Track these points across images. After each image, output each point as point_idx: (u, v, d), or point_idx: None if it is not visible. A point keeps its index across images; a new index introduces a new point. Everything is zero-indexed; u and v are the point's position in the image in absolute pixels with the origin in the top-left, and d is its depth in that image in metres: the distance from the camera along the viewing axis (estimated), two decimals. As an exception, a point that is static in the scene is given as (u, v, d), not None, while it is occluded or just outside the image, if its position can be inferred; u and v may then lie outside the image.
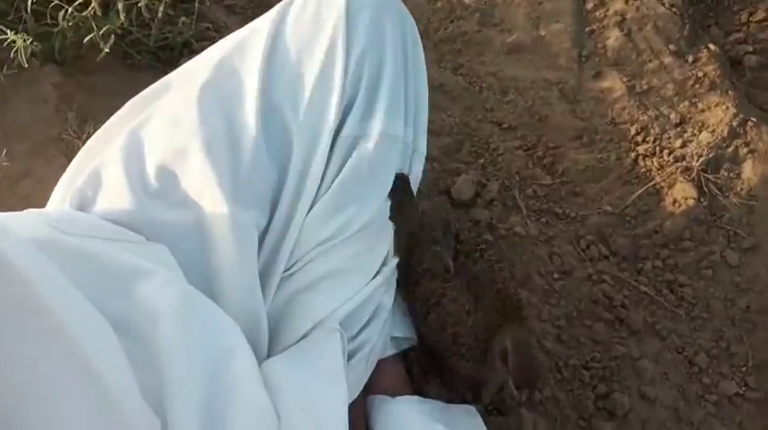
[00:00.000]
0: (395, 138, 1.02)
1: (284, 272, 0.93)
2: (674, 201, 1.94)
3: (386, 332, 1.05)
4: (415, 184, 1.17)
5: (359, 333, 0.96)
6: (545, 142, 2.07)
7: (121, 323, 0.63)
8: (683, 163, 1.97)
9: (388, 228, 1.05)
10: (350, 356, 0.93)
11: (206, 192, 0.84)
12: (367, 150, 0.95)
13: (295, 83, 0.94)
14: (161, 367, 0.62)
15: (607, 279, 1.81)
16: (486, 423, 1.32)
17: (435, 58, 2.21)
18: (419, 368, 1.26)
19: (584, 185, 1.99)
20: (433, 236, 1.16)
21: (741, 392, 1.63)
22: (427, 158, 1.28)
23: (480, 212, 1.87)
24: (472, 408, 1.33)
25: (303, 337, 0.90)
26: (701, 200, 1.93)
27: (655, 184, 1.98)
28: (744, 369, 1.68)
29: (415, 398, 1.09)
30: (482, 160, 2.00)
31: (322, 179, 0.95)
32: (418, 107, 1.14)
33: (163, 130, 0.88)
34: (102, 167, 0.88)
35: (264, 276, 0.90)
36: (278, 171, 0.92)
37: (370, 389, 1.05)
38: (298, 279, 0.94)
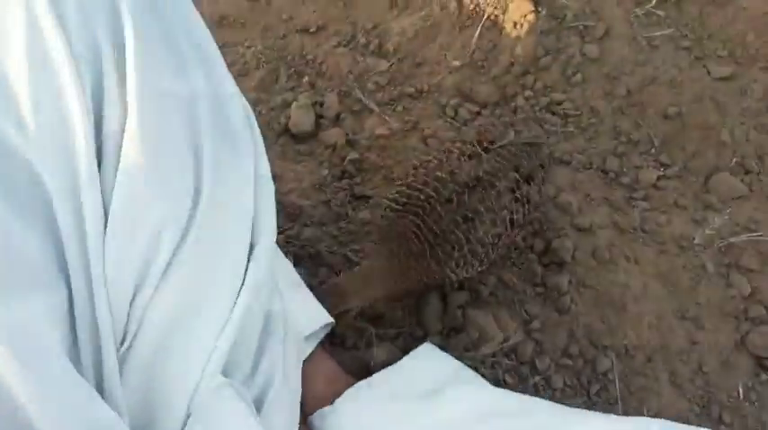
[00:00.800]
0: None
1: (120, 348, 0.64)
2: (515, 24, 1.77)
3: (293, 341, 0.79)
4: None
5: (255, 367, 0.70)
6: (362, 27, 1.82)
7: None
8: (504, -20, 1.79)
9: (230, 208, 0.76)
10: (259, 403, 0.67)
11: None
12: None
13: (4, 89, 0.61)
14: None
15: (490, 131, 1.64)
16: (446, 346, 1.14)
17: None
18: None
19: (423, 51, 1.78)
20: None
21: (662, 173, 1.55)
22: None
23: (330, 135, 1.62)
24: (429, 344, 1.15)
25: (187, 419, 0.64)
26: (539, 9, 1.77)
27: (489, 17, 1.79)
28: (653, 151, 1.60)
29: (357, 386, 0.88)
30: (306, 78, 1.72)
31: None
32: (208, 55, 0.81)
33: None
34: None
35: (97, 368, 0.61)
36: (42, 231, 0.61)
37: (304, 403, 0.80)
38: (139, 349, 0.65)
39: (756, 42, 1.71)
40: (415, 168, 1.16)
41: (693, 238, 1.44)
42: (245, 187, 0.75)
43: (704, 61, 1.71)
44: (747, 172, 1.55)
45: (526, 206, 1.15)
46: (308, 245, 1.48)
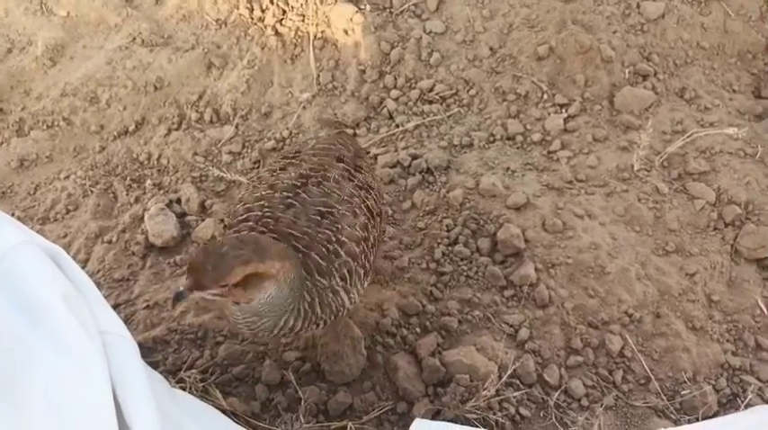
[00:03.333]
0: None
1: None
2: (346, 32, 1.58)
3: None
4: None
5: None
6: (186, 102, 1.55)
7: None
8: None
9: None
10: None
11: None
12: None
13: None
14: None
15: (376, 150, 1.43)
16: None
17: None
18: None
19: (265, 99, 1.54)
20: None
21: (566, 115, 1.40)
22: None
23: (203, 230, 1.33)
24: (420, 422, 0.90)
25: None
26: (362, 7, 1.59)
27: (315, 36, 1.59)
28: (545, 97, 1.45)
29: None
30: (148, 181, 1.41)
31: None
32: None
33: None
34: None
35: None
36: None
37: None
38: None
39: (585, -48, 1.62)
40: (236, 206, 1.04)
41: (632, 166, 1.28)
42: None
43: (548, -11, 1.60)
44: (645, 76, 1.43)
45: (372, 193, 1.05)
46: (230, 365, 1.18)
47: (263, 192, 0.99)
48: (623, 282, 1.12)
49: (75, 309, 0.67)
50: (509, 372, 1.02)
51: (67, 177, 1.46)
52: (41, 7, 1.65)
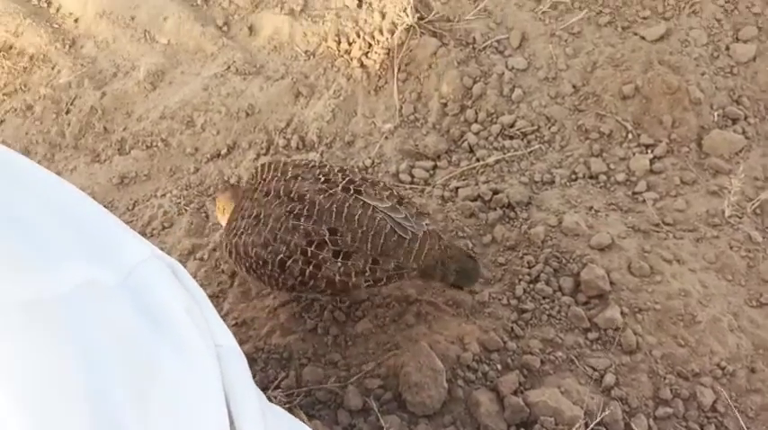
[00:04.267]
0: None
1: None
2: (429, 65, 1.62)
3: None
4: None
5: None
6: (275, 128, 1.63)
7: None
8: (398, 26, 1.65)
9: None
10: None
11: None
12: None
13: None
14: None
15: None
16: None
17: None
18: None
19: (348, 128, 1.60)
20: None
21: (652, 156, 1.39)
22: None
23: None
24: None
25: None
26: (445, 42, 1.63)
27: (399, 68, 1.64)
28: (629, 136, 1.44)
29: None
30: (238, 203, 1.50)
31: None
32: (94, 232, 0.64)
33: None
34: None
35: None
36: None
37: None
38: None
39: (671, -8, 1.62)
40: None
41: (723, 212, 1.27)
42: (201, 391, 0.57)
43: (632, 28, 1.60)
44: (734, 120, 1.42)
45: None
46: (313, 388, 1.23)
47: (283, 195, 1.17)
48: (715, 332, 1.11)
49: (196, 322, 0.71)
50: (597, 420, 1.02)
51: (164, 195, 1.55)
52: (145, 35, 1.76)
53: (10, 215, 0.59)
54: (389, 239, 1.07)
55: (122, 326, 0.65)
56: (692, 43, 1.54)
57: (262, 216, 1.10)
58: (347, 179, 1.12)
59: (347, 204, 1.07)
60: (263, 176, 1.15)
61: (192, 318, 0.71)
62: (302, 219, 1.06)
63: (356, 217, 1.07)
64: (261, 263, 1.10)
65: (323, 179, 1.11)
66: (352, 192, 1.10)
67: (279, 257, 1.07)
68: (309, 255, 1.06)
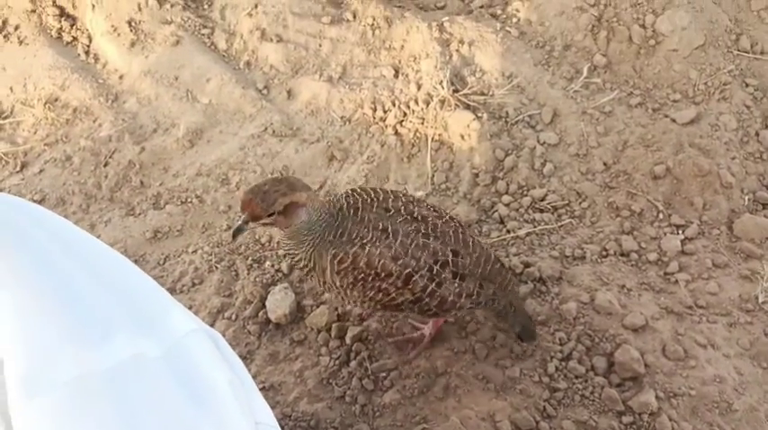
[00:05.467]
0: None
1: None
2: (462, 137, 1.67)
3: None
4: None
5: None
6: (307, 189, 1.67)
7: None
8: (434, 97, 1.70)
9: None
10: None
11: None
12: None
13: None
14: None
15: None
16: None
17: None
18: None
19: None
20: None
21: (684, 237, 1.40)
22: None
23: (317, 314, 1.39)
24: None
25: None
26: (479, 115, 1.68)
27: (433, 138, 1.68)
28: (660, 216, 1.46)
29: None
30: (267, 262, 1.51)
31: None
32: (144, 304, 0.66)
33: None
34: None
35: None
36: None
37: None
38: None
39: (701, 77, 1.67)
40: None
41: (757, 297, 1.26)
42: None
43: (663, 110, 1.65)
44: (765, 205, 1.43)
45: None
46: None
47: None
48: (752, 421, 1.09)
49: (237, 397, 0.71)
50: None
51: (195, 251, 1.57)
52: (187, 94, 1.83)
53: (70, 290, 0.61)
54: (494, 266, 1.16)
55: (165, 401, 0.65)
56: (722, 128, 1.57)
57: (390, 230, 1.11)
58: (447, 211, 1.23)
59: (460, 231, 1.15)
60: (361, 197, 1.17)
61: (234, 391, 0.72)
62: (431, 238, 1.11)
63: (470, 243, 1.15)
64: (383, 275, 1.11)
65: (430, 207, 1.18)
66: (457, 221, 1.19)
67: (407, 271, 1.10)
68: (434, 272, 1.11)
